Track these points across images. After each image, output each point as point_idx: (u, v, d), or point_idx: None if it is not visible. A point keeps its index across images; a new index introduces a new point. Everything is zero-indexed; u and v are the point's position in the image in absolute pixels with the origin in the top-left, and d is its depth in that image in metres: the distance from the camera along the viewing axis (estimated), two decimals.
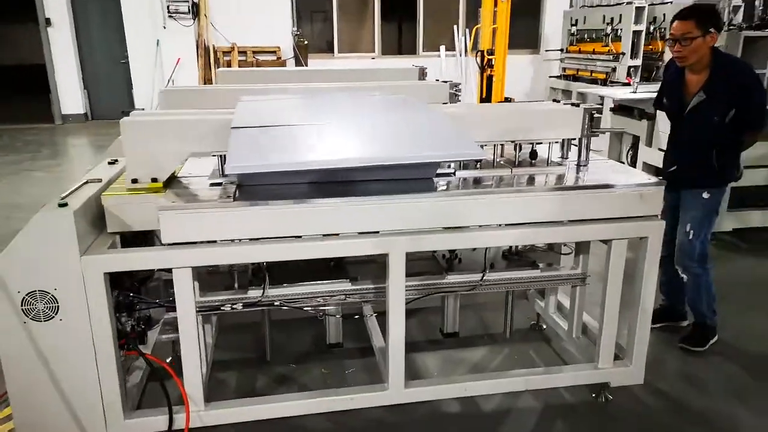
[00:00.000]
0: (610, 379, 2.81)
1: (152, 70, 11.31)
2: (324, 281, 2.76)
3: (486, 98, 8.86)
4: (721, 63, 3.07)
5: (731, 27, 4.75)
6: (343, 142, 2.35)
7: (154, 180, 2.49)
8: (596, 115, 2.81)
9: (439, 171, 2.64)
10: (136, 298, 2.57)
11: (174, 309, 2.43)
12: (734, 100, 3.02)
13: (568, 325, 3.17)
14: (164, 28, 10.98)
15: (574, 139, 2.86)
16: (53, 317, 2.25)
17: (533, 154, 2.87)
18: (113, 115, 11.61)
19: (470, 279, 2.85)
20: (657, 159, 4.98)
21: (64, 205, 2.22)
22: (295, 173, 2.39)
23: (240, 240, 2.37)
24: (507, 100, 8.93)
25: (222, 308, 2.65)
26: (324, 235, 2.39)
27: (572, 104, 2.85)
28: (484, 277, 2.83)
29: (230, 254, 2.37)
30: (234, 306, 2.66)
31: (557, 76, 10.61)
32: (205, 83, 11.16)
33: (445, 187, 2.54)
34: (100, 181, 2.57)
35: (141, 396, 2.71)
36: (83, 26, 11.40)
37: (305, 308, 2.78)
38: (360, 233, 2.42)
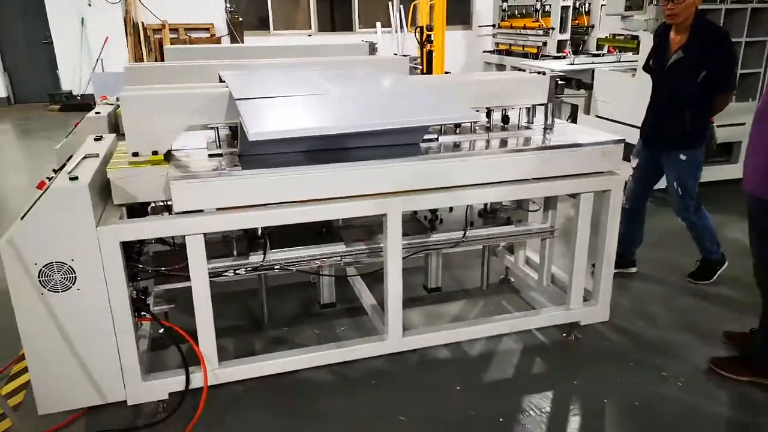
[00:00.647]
0: (580, 318, 3.16)
1: (78, 51, 10.81)
2: (320, 245, 2.93)
3: (427, 72, 9.11)
4: (700, 26, 3.41)
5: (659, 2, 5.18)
6: (344, 110, 2.51)
7: (154, 153, 2.57)
8: (560, 82, 3.09)
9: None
10: (141, 268, 2.64)
11: (173, 277, 2.53)
12: (706, 60, 3.34)
13: (538, 276, 3.49)
14: (89, 5, 10.51)
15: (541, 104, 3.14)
16: (70, 287, 2.30)
17: (505, 119, 3.13)
18: (38, 98, 11.09)
19: (453, 237, 3.10)
20: (594, 125, 5.41)
21: (75, 178, 2.27)
22: (295, 141, 2.53)
23: (246, 207, 2.48)
24: (447, 73, 9.22)
25: (225, 274, 2.77)
26: (324, 199, 2.56)
27: (538, 73, 3.12)
28: (466, 234, 3.09)
29: (239, 219, 2.49)
30: (237, 271, 2.78)
31: (491, 51, 11.02)
32: (136, 62, 10.79)
33: (436, 151, 2.75)
34: (97, 155, 2.61)
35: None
36: (1, 6, 10.70)
37: (303, 270, 2.94)
38: (358, 196, 2.60)
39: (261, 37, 11.60)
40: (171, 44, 10.77)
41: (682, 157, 3.55)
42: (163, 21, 10.92)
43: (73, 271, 2.29)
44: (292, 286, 3.64)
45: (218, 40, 11.09)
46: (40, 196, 2.28)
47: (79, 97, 10.85)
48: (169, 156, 2.61)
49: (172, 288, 3.42)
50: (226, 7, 11.26)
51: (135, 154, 2.55)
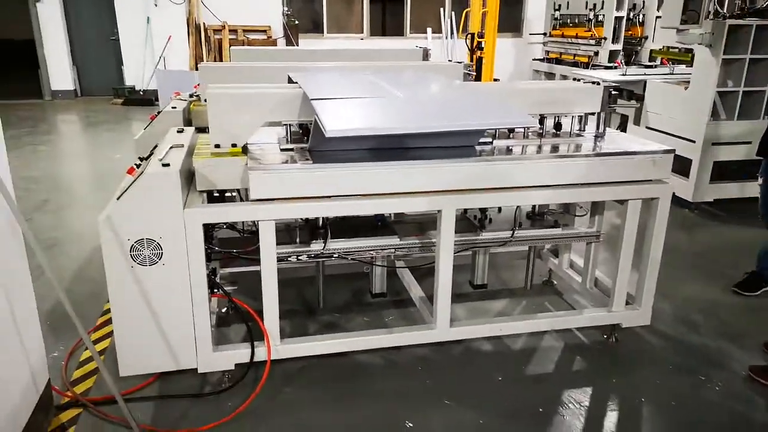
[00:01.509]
0: (622, 320, 3.27)
1: (142, 48, 11.37)
2: (375, 237, 3.13)
3: (476, 79, 9.25)
4: None
5: (716, 16, 5.22)
6: (408, 112, 2.71)
7: (233, 145, 2.83)
8: (614, 93, 3.22)
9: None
10: (216, 249, 2.90)
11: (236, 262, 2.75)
12: None
13: (582, 278, 3.62)
14: (155, 5, 11.04)
15: (593, 113, 3.27)
16: (157, 262, 2.57)
17: (558, 126, 3.28)
18: (102, 91, 11.71)
19: (501, 236, 3.26)
20: (644, 136, 5.46)
21: (167, 165, 2.54)
22: (362, 139, 2.74)
23: (315, 197, 2.71)
24: (495, 80, 9.34)
25: (289, 259, 3.00)
26: (386, 194, 2.76)
27: (593, 83, 3.26)
28: (514, 234, 3.25)
29: (308, 208, 2.71)
30: (300, 257, 3.01)
31: (540, 59, 11.06)
32: (196, 61, 11.27)
33: (490, 153, 2.92)
34: (182, 146, 2.88)
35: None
36: (72, 2, 11.36)
37: (359, 260, 3.15)
38: (416, 192, 2.79)
39: (315, 39, 11.96)
40: (230, 45, 11.23)
41: None
42: (223, 22, 11.38)
43: (161, 247, 2.55)
44: (344, 276, 3.86)
45: (274, 42, 11.49)
46: (135, 179, 2.55)
47: (141, 93, 11.41)
48: (245, 149, 2.86)
49: (235, 271, 3.74)
50: (283, 10, 11.65)
51: (217, 146, 2.81)
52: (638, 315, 3.28)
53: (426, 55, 5.76)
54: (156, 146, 3.08)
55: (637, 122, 6.13)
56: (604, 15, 9.05)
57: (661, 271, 3.23)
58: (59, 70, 11.50)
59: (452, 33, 12.10)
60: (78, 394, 2.81)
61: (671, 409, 2.84)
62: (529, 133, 3.25)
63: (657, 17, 8.61)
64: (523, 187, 2.88)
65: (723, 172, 5.42)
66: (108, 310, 3.53)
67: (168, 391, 2.88)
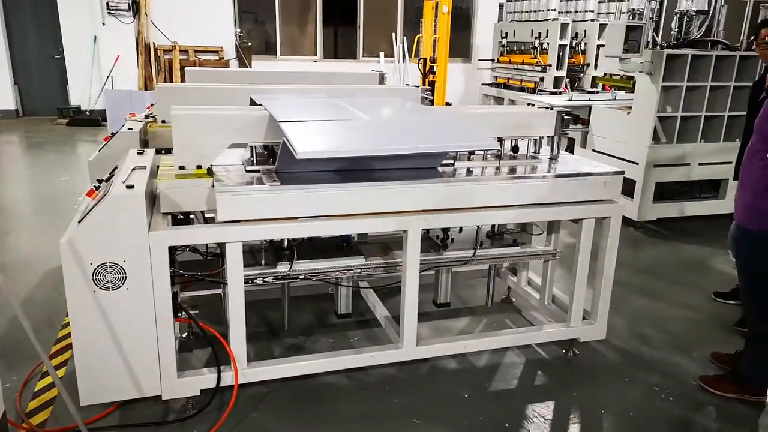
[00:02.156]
0: (580, 335, 3.39)
1: (89, 67, 11.08)
2: (341, 258, 3.16)
3: (429, 103, 9.46)
4: None
5: (655, 45, 5.57)
6: (374, 135, 2.77)
7: (198, 167, 2.81)
8: (566, 117, 3.38)
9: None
10: (180, 272, 2.85)
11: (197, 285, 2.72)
12: None
13: (540, 295, 3.74)
14: (103, 24, 10.81)
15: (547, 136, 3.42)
16: (120, 286, 2.51)
17: (515, 149, 3.41)
18: (46, 111, 11.33)
19: (464, 255, 3.34)
20: (591, 158, 5.70)
21: (131, 187, 2.50)
22: (329, 161, 2.78)
23: (284, 219, 2.72)
24: (448, 104, 9.58)
25: (255, 281, 2.98)
26: (353, 215, 2.79)
27: (547, 108, 3.41)
28: (476, 253, 3.33)
29: (277, 230, 2.72)
30: (266, 279, 3.00)
31: (489, 84, 11.41)
32: (145, 81, 11.08)
33: (451, 175, 3.01)
34: (145, 167, 2.84)
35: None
36: (15, 19, 10.99)
37: (324, 281, 3.17)
38: (383, 213, 2.84)
39: (268, 61, 11.95)
40: (181, 65, 11.09)
41: None
42: (174, 42, 11.24)
43: (124, 271, 2.50)
44: (309, 298, 3.85)
45: (227, 63, 11.42)
46: (98, 202, 2.50)
47: (87, 113, 11.09)
48: (210, 171, 2.85)
49: (195, 295, 3.67)
50: (235, 31, 11.62)
51: (181, 168, 2.79)
52: (594, 329, 3.41)
53: (382, 78, 5.88)
54: (116, 168, 3.03)
55: (583, 145, 6.41)
56: (548, 43, 9.43)
57: (612, 287, 3.38)
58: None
59: (404, 57, 12.35)
60: (34, 426, 2.69)
61: (630, 420, 2.95)
62: (489, 155, 3.37)
63: (598, 46, 9.05)
64: (486, 207, 2.97)
65: (664, 192, 5.73)
66: (63, 337, 3.42)
67: (130, 419, 2.79)
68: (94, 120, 10.87)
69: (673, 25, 5.78)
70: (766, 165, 2.77)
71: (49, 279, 4.18)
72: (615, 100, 7.05)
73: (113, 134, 3.91)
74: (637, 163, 5.62)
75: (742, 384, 3.09)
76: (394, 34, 12.56)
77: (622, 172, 3.23)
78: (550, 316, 3.65)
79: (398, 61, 12.41)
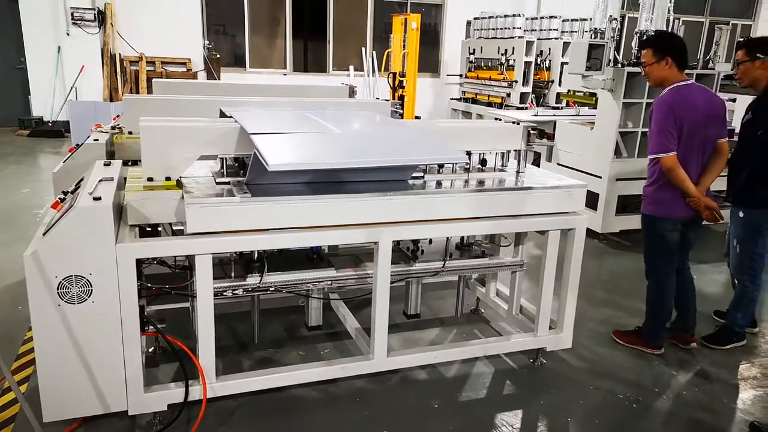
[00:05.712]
0: (546, 344, 3.46)
1: (52, 78, 10.85)
2: (312, 269, 3.16)
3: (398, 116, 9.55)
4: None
5: (616, 64, 5.75)
6: (346, 147, 2.80)
7: (167, 179, 2.80)
8: (532, 132, 3.46)
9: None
10: (147, 286, 2.81)
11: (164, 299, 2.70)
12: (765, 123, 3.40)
13: (508, 305, 3.80)
14: (67, 34, 10.62)
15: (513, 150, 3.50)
16: (86, 300, 2.46)
17: (483, 162, 3.48)
18: (7, 122, 11.03)
19: (433, 266, 3.38)
20: (557, 172, 5.84)
21: (98, 198, 2.47)
22: (300, 173, 2.79)
23: (255, 230, 2.71)
24: (417, 118, 9.68)
25: (224, 293, 2.96)
26: (324, 226, 2.81)
27: (513, 122, 3.49)
28: (446, 264, 3.38)
29: (247, 242, 2.71)
30: (235, 291, 2.98)
31: (458, 99, 11.58)
32: (110, 92, 10.92)
33: (421, 187, 3.05)
34: (112, 179, 2.81)
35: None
36: None
37: (295, 293, 3.16)
38: (354, 224, 2.86)
39: (237, 74, 11.90)
40: (148, 77, 10.96)
41: (740, 214, 3.60)
42: (140, 53, 11.11)
43: (90, 284, 2.45)
44: (278, 310, 3.84)
45: (194, 75, 11.33)
46: (63, 214, 2.46)
47: (50, 124, 10.84)
48: (179, 182, 2.83)
49: (161, 309, 3.62)
50: (203, 43, 11.55)
51: (150, 179, 2.76)
52: (561, 339, 3.48)
53: (352, 92, 5.92)
54: (82, 179, 2.99)
55: (549, 159, 6.56)
56: (515, 60, 9.66)
57: (578, 297, 3.46)
58: None
59: (374, 71, 12.45)
60: None
61: (595, 427, 3.02)
62: (458, 168, 3.43)
63: (562, 63, 9.29)
64: (455, 219, 3.02)
65: (627, 205, 5.90)
66: (25, 353, 3.33)
67: None
68: (57, 131, 10.64)
69: (633, 44, 5.98)
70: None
71: (7, 293, 4.06)
72: (578, 116, 7.24)
73: (78, 145, 3.84)
74: (600, 177, 5.78)
75: (642, 339, 3.76)
76: (363, 48, 12.67)
77: (586, 185, 3.32)
78: (517, 326, 3.72)
79: (368, 75, 12.50)
